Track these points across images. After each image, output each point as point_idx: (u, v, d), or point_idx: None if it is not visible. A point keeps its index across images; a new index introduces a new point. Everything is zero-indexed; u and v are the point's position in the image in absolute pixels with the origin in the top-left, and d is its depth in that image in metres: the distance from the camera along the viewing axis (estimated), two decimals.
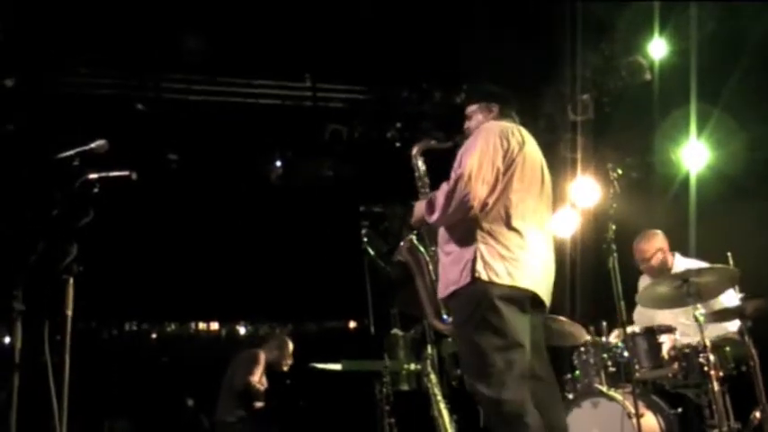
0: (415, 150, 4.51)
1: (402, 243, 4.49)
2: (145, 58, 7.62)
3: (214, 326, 10.37)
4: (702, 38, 7.29)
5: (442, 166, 4.31)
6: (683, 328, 5.69)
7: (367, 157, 8.85)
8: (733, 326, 5.60)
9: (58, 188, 3.72)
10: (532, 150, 4.12)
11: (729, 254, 5.87)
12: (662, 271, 5.93)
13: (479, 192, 3.86)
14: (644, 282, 6.02)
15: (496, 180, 3.91)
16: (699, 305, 5.22)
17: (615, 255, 5.05)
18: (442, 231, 4.10)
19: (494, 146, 3.95)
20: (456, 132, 4.41)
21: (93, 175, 3.77)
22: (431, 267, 4.33)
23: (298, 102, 8.55)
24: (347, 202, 8.36)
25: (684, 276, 5.25)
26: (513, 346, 3.79)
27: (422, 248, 4.41)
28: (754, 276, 5.82)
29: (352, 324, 10.55)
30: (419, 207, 4.19)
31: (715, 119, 7.51)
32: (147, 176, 3.98)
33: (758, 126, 7.05)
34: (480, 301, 3.81)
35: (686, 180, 7.70)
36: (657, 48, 7.81)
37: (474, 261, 3.84)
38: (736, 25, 7.10)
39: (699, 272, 5.30)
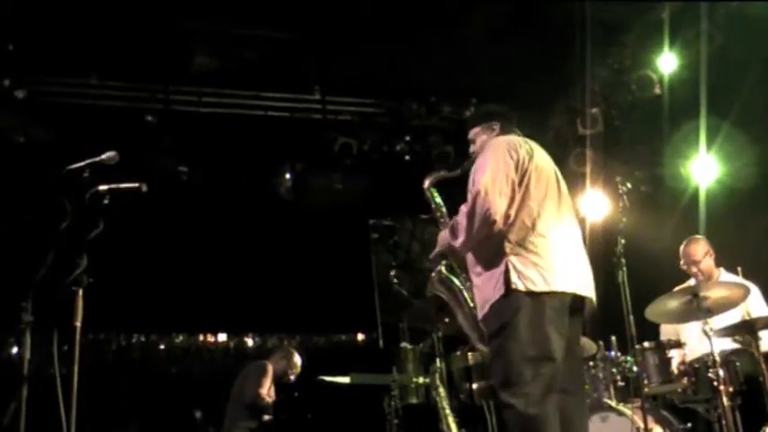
0: (426, 184, 4.55)
1: (433, 275, 4.46)
2: (155, 69, 7.65)
3: (222, 338, 10.35)
4: (712, 52, 7.26)
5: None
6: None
7: (376, 171, 8.87)
8: None
9: (68, 199, 3.72)
10: (543, 159, 4.14)
11: (739, 268, 5.87)
12: (708, 278, 5.96)
13: (499, 205, 3.86)
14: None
15: (513, 191, 3.91)
16: (708, 320, 5.18)
17: (625, 269, 5.04)
18: (469, 255, 4.09)
19: (504, 159, 3.96)
20: (464, 158, 4.44)
21: (103, 187, 3.77)
22: (466, 295, 4.30)
23: (307, 114, 8.56)
24: (356, 216, 8.42)
25: (694, 291, 5.22)
26: (544, 359, 3.76)
27: (453, 278, 4.38)
28: (764, 290, 5.81)
29: (360, 337, 10.52)
30: (443, 237, 4.22)
31: (724, 133, 7.50)
32: (156, 188, 3.97)
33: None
34: (517, 310, 3.78)
35: (696, 194, 7.68)
36: (667, 62, 7.81)
37: (507, 272, 3.82)
38: (745, 39, 7.10)
39: (709, 286, 5.28)
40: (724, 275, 6.01)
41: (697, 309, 5.16)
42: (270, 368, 7.00)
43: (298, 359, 7.21)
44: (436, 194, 4.53)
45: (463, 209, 3.99)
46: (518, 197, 3.93)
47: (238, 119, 8.31)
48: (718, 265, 6.10)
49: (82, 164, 3.81)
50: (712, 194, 7.55)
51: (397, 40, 7.65)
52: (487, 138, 4.31)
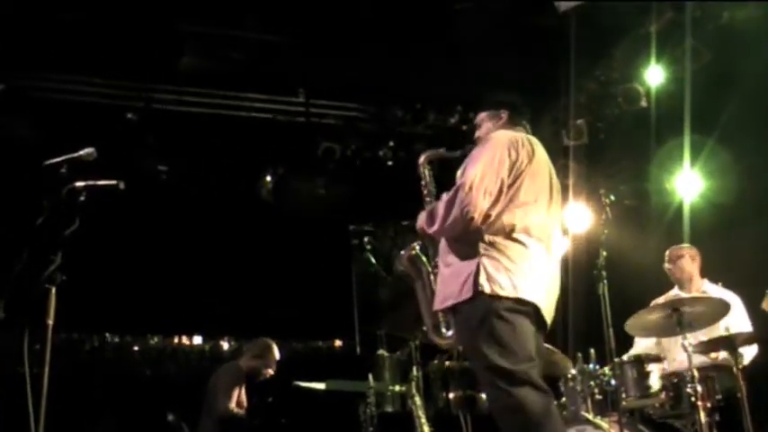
0: (422, 158, 4.46)
1: (403, 252, 4.41)
2: (136, 66, 7.59)
3: (198, 340, 10.30)
4: (698, 67, 7.32)
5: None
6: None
7: (359, 176, 8.86)
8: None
9: (44, 195, 3.69)
10: (542, 162, 4.05)
11: (720, 283, 5.92)
12: (685, 282, 6.12)
13: (480, 203, 3.78)
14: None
15: (500, 192, 3.83)
16: (688, 334, 5.21)
17: (605, 281, 5.05)
18: (443, 242, 4.02)
19: (499, 157, 3.87)
20: (467, 142, 4.36)
21: (80, 184, 3.74)
22: (432, 279, 4.23)
23: (290, 117, 8.53)
24: (337, 221, 8.41)
25: (675, 305, 5.24)
26: (524, 361, 3.70)
27: (424, 259, 4.32)
28: (747, 303, 5.85)
29: (338, 343, 10.50)
30: (420, 218, 4.10)
31: (709, 148, 7.55)
32: (135, 187, 3.95)
33: (752, 156, 7.09)
34: (485, 315, 3.72)
35: (680, 209, 7.72)
36: (654, 75, 7.85)
37: (477, 275, 3.75)
38: (734, 55, 7.15)
39: (690, 301, 5.31)
40: (707, 285, 6.08)
41: (677, 323, 5.18)
42: (241, 370, 6.88)
43: (276, 353, 7.03)
44: (428, 172, 4.42)
45: (444, 197, 3.92)
46: (503, 199, 3.85)
47: (221, 119, 8.26)
48: (702, 276, 6.16)
49: (59, 159, 3.78)
50: (696, 209, 7.59)
51: (384, 45, 7.65)
52: (493, 126, 4.21)
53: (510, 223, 3.84)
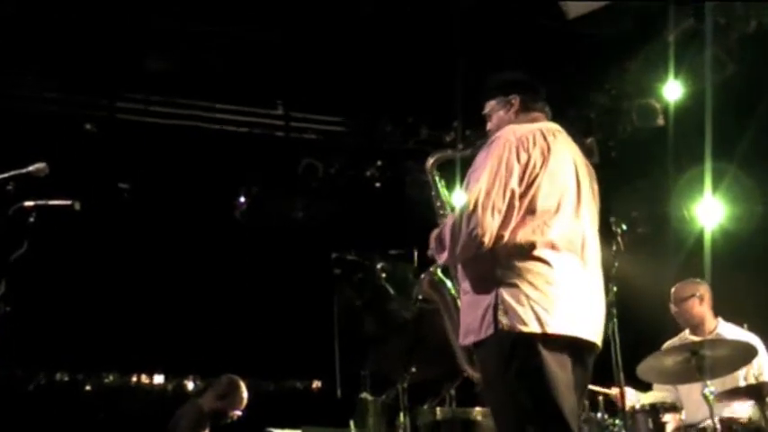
0: (429, 163, 4.27)
1: (423, 276, 4.29)
2: (99, 71, 7.57)
3: (159, 379, 10.23)
4: (722, 81, 7.33)
5: None
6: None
7: (343, 198, 8.83)
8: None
9: None
10: (563, 156, 3.84)
11: (745, 325, 5.90)
12: (696, 326, 6.05)
13: (489, 224, 3.60)
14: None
15: (511, 206, 3.66)
16: (709, 381, 5.19)
17: (616, 320, 5.02)
18: (461, 270, 3.89)
19: (507, 163, 3.68)
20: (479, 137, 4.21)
21: (29, 203, 3.71)
22: (458, 304, 4.06)
23: (268, 131, 8.55)
24: (318, 247, 8.38)
25: (694, 348, 5.22)
26: (550, 419, 3.53)
27: (448, 283, 4.21)
28: None
29: (316, 384, 10.44)
30: (433, 238, 3.91)
31: (733, 173, 7.57)
32: (93, 206, 3.92)
33: None
34: (508, 358, 3.56)
35: (700, 238, 7.72)
36: (672, 90, 7.86)
37: (495, 308, 3.59)
38: (760, 68, 7.18)
39: (711, 344, 5.28)
40: (723, 326, 6.03)
41: (696, 369, 5.16)
42: (203, 412, 6.81)
43: (244, 393, 6.99)
44: (438, 178, 4.25)
45: (450, 219, 3.78)
46: (517, 212, 3.68)
47: (191, 132, 8.26)
48: (717, 314, 6.14)
49: (6, 175, 3.75)
50: (719, 239, 7.58)
51: (373, 52, 7.67)
52: (505, 114, 4.05)
53: (528, 240, 3.66)
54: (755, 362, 5.49)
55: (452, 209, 4.05)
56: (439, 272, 4.23)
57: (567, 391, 3.58)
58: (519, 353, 3.55)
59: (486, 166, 3.70)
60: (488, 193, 3.63)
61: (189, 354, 9.16)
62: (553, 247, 3.67)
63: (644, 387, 6.05)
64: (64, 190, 3.81)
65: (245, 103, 8.41)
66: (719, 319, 6.13)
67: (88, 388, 9.95)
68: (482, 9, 7.33)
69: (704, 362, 5.14)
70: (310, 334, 8.61)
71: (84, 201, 3.80)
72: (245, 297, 8.89)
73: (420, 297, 4.43)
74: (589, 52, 7.69)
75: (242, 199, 8.71)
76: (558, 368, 3.58)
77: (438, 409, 6.05)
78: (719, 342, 5.40)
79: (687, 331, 6.21)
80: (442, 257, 3.82)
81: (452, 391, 6.09)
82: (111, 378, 10.00)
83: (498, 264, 3.65)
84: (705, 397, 5.09)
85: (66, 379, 9.79)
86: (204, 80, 7.92)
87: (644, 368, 5.46)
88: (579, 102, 8.40)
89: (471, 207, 3.62)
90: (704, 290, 6.15)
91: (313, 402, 10.15)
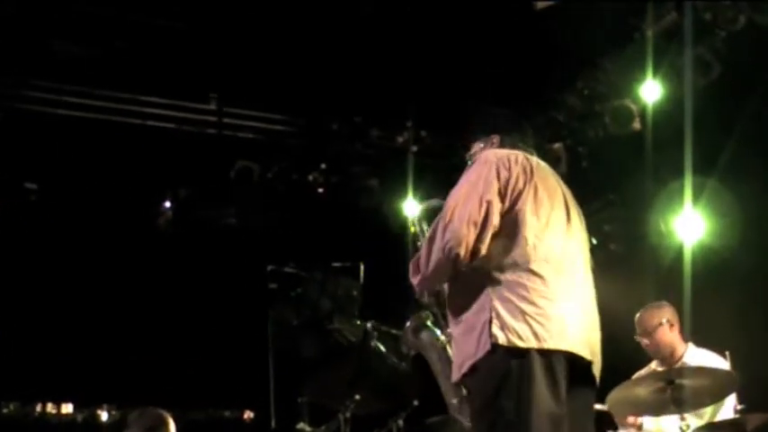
0: (417, 216, 4.56)
1: (408, 324, 4.47)
2: (1, 54, 7.42)
3: (68, 409, 10.09)
4: (707, 83, 7.37)
5: None
6: None
7: (282, 204, 8.82)
8: None
9: None
10: (547, 178, 4.11)
11: (728, 353, 5.89)
12: (666, 356, 5.98)
13: (464, 234, 3.81)
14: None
15: (487, 219, 3.86)
16: (687, 414, 5.18)
17: None
18: (450, 300, 4.07)
19: (485, 179, 3.92)
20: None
21: None
22: (448, 350, 4.30)
23: (198, 127, 8.50)
24: (253, 259, 8.33)
25: (669, 377, 5.20)
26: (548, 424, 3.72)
27: (437, 331, 4.41)
28: (755, 381, 5.82)
29: (248, 414, 10.35)
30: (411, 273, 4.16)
31: (713, 186, 7.60)
32: None
33: None
34: (504, 375, 3.74)
35: (679, 255, 7.73)
36: (650, 91, 7.88)
37: (490, 323, 3.76)
38: (748, 68, 7.23)
39: (690, 372, 5.27)
40: (692, 352, 6.01)
41: (671, 400, 5.14)
42: None
43: (172, 429, 6.93)
44: (427, 228, 4.39)
45: (425, 241, 4.00)
46: (500, 226, 3.89)
47: (109, 127, 8.16)
48: (686, 340, 6.11)
49: None
50: (700, 257, 7.61)
51: (318, 42, 7.64)
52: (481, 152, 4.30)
53: (521, 254, 3.87)
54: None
55: None
56: (424, 318, 4.48)
57: (555, 413, 3.76)
58: (515, 369, 3.73)
59: (463, 183, 4.00)
60: (465, 204, 3.88)
61: (102, 380, 9.04)
62: (546, 261, 3.90)
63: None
64: None
65: (173, 96, 8.35)
66: (690, 344, 6.11)
67: None
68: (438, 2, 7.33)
69: (682, 392, 5.13)
70: (241, 357, 8.62)
71: None
72: (168, 314, 8.82)
73: (406, 347, 4.64)
74: (559, 48, 7.66)
75: (167, 204, 8.68)
76: (554, 387, 3.77)
77: None
78: (698, 370, 5.37)
79: (655, 363, 6.18)
80: (416, 280, 4.03)
81: (400, 422, 6.05)
82: (10, 408, 9.87)
83: (492, 279, 3.86)
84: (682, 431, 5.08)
85: None
86: (125, 67, 7.85)
87: (613, 399, 5.45)
88: (546, 103, 8.43)
89: (447, 218, 3.88)
90: (670, 313, 6.12)
91: None
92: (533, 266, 3.86)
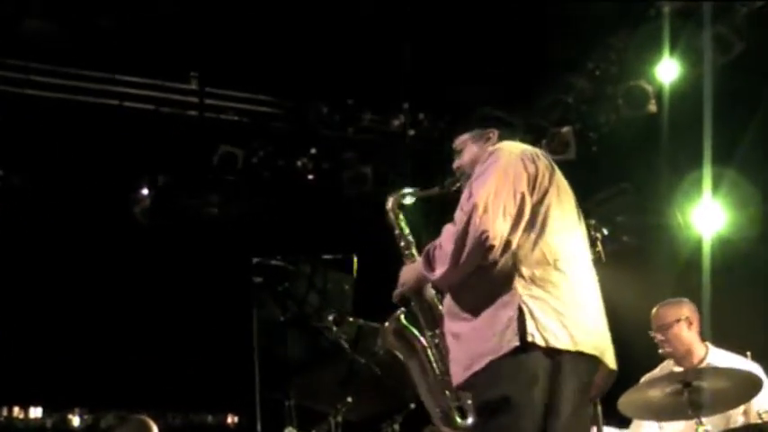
0: (390, 204, 4.59)
1: (387, 324, 4.46)
2: None
3: (36, 413, 10.11)
4: (726, 61, 7.37)
5: None
6: None
7: (268, 192, 8.87)
8: None
9: None
10: (563, 179, 4.17)
11: (749, 353, 5.88)
12: (683, 355, 5.95)
13: (499, 227, 3.84)
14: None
15: (521, 213, 3.92)
16: (705, 419, 5.15)
17: None
18: (455, 295, 4.06)
19: (515, 169, 3.98)
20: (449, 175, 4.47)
21: None
22: (432, 354, 4.31)
23: (178, 109, 8.54)
24: (236, 251, 8.31)
25: (685, 379, 5.17)
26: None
27: (416, 332, 4.39)
28: None
29: (232, 419, 10.39)
30: (409, 270, 4.31)
31: (731, 176, 7.60)
32: None
33: None
34: (533, 377, 3.78)
35: (698, 248, 7.76)
36: (667, 71, 7.90)
37: (522, 320, 3.79)
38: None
39: (708, 374, 5.24)
40: (714, 353, 6.00)
41: (689, 404, 5.12)
42: None
43: None
44: (402, 219, 4.57)
45: (450, 229, 3.98)
46: (537, 221, 3.95)
47: (83, 108, 8.21)
48: (704, 339, 6.11)
49: None
50: (719, 249, 7.60)
51: (307, 20, 7.68)
52: (479, 150, 4.31)
53: (549, 251, 3.94)
54: (758, 396, 5.46)
55: (419, 250, 4.31)
56: (402, 318, 4.43)
57: (579, 411, 3.92)
58: (545, 372, 3.80)
59: (492, 172, 3.98)
60: (498, 195, 3.90)
61: (73, 382, 9.05)
62: (569, 260, 3.99)
63: (626, 424, 6.07)
64: None
65: (152, 75, 8.40)
66: (709, 345, 6.10)
67: None
68: None
69: (700, 395, 5.10)
70: (224, 356, 8.59)
71: None
72: (145, 311, 8.81)
73: (384, 348, 4.63)
74: (568, 25, 7.66)
75: (144, 191, 8.67)
76: (581, 394, 3.91)
77: None
78: (718, 372, 5.35)
79: (671, 362, 6.16)
80: (437, 273, 4.02)
81: (396, 426, 6.04)
82: None
83: (521, 274, 3.89)
84: None
85: None
86: (100, 45, 7.87)
87: (625, 401, 5.43)
88: (555, 85, 8.42)
89: (480, 209, 3.86)
90: (690, 311, 6.11)
91: None
92: (560, 264, 3.94)
